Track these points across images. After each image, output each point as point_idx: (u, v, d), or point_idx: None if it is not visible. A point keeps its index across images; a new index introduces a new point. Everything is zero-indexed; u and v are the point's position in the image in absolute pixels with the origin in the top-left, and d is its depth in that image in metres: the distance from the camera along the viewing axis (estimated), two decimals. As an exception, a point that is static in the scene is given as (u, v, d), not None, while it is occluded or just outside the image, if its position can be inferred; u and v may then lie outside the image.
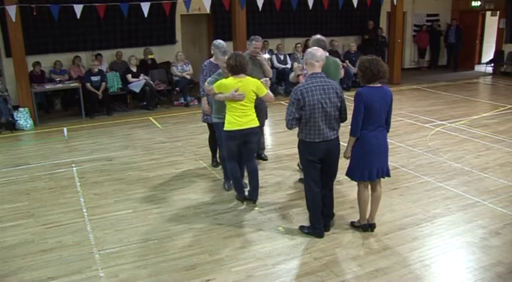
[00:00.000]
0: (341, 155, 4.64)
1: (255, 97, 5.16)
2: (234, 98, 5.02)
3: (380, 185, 4.70)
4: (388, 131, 4.58)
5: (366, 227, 4.76)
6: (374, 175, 4.51)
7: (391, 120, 4.57)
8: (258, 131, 5.36)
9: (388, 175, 4.64)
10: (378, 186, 4.67)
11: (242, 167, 5.62)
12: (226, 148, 5.35)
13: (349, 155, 4.56)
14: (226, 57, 5.20)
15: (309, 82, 4.37)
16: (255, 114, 5.24)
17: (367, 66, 4.34)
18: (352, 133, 4.45)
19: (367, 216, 4.75)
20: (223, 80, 5.14)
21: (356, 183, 4.70)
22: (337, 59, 6.09)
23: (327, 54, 5.58)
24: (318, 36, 5.68)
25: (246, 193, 5.58)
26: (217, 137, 5.90)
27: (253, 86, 5.10)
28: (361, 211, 4.76)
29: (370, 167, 4.47)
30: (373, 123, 4.39)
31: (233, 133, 5.15)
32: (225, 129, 5.21)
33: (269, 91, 5.29)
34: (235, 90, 4.99)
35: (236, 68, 5.04)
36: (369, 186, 4.68)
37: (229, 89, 5.03)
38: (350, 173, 4.62)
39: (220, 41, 6.41)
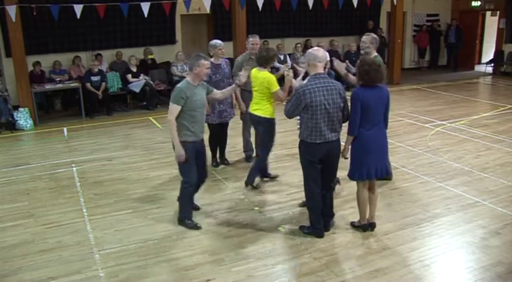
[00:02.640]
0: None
1: (267, 91, 5.56)
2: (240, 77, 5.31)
3: (375, 183, 4.68)
4: (386, 128, 4.58)
5: (366, 226, 4.76)
6: (372, 174, 4.50)
7: (389, 116, 4.59)
8: (260, 121, 5.70)
9: (387, 175, 4.64)
10: (374, 186, 4.68)
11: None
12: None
13: (347, 154, 4.57)
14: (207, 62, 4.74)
15: (312, 83, 4.36)
16: (264, 106, 5.63)
17: (367, 71, 4.35)
18: (350, 132, 4.46)
19: (367, 216, 4.76)
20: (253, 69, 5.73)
21: (356, 183, 4.70)
22: (381, 59, 5.50)
23: (376, 54, 5.63)
24: (374, 35, 5.79)
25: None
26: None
27: (264, 80, 5.55)
28: (360, 211, 4.76)
29: (368, 165, 4.47)
30: (370, 122, 4.40)
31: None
32: None
33: (280, 89, 5.55)
34: (242, 72, 5.26)
35: (261, 60, 5.62)
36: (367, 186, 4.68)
37: (252, 76, 5.66)
38: (349, 173, 4.62)
39: (216, 41, 6.41)
